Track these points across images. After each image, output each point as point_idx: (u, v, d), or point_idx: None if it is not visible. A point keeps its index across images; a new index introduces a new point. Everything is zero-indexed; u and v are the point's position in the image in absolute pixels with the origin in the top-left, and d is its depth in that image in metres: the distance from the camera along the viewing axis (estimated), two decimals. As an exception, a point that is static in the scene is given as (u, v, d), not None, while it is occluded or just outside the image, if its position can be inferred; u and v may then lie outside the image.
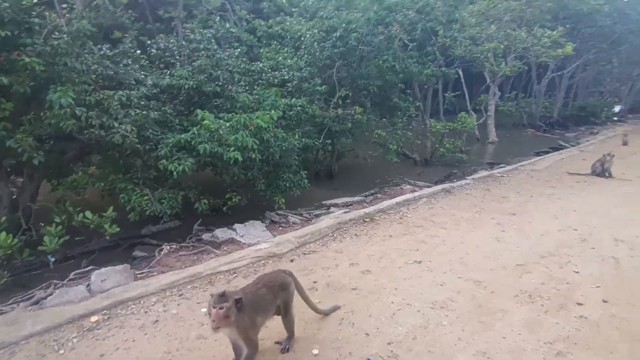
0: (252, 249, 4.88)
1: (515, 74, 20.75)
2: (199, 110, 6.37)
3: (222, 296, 2.52)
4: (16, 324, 3.28)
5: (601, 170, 9.11)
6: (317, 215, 6.80)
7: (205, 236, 5.78)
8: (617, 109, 29.13)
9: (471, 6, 15.76)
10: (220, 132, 6.00)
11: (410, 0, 10.35)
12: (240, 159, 6.02)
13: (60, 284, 4.31)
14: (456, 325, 3.36)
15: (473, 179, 8.81)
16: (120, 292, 3.80)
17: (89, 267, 5.15)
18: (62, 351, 3.04)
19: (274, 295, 2.90)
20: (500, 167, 10.23)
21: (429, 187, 8.37)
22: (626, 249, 4.97)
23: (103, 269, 4.26)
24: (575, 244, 5.15)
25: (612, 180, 8.85)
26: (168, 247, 5.58)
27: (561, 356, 2.97)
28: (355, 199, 7.69)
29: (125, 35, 7.86)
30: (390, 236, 5.45)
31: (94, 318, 3.44)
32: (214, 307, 2.48)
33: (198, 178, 8.16)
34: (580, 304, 3.68)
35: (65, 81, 5.86)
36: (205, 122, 6.01)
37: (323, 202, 7.71)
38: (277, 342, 3.09)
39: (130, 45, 7.34)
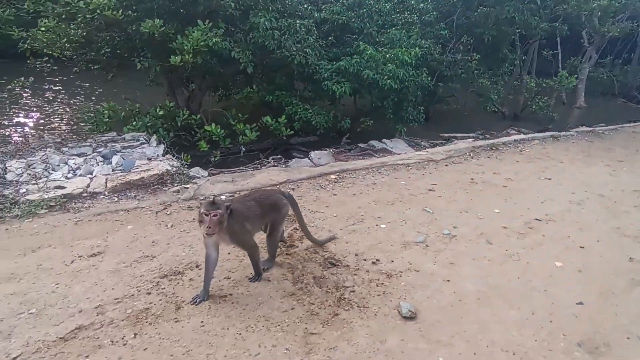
0: (413, 154, 6.34)
1: (618, 38, 19.69)
2: (360, 43, 7.65)
3: (214, 203, 2.56)
4: (288, 171, 5.02)
5: None
6: (442, 144, 8.10)
7: (362, 144, 7.34)
8: None
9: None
10: (381, 61, 7.28)
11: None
12: (394, 86, 7.33)
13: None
14: (592, 214, 4.67)
15: (576, 131, 9.58)
16: (338, 165, 5.44)
17: (278, 155, 6.95)
18: (327, 189, 4.73)
19: (263, 211, 2.91)
20: (601, 126, 10.79)
21: (534, 133, 9.29)
22: None
23: (316, 151, 5.96)
24: (682, 185, 6.12)
25: None
26: (333, 150, 7.21)
27: (676, 238, 4.22)
28: (471, 134, 8.85)
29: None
30: (517, 162, 6.67)
31: (332, 176, 5.10)
32: (207, 214, 2.50)
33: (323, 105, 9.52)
34: (689, 217, 4.82)
35: (260, 8, 7.30)
36: (370, 52, 7.29)
37: (441, 135, 8.96)
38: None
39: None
